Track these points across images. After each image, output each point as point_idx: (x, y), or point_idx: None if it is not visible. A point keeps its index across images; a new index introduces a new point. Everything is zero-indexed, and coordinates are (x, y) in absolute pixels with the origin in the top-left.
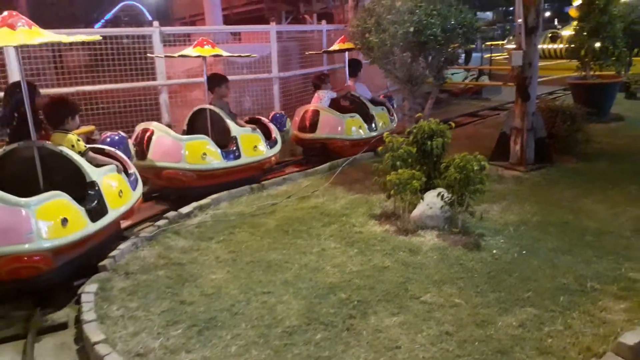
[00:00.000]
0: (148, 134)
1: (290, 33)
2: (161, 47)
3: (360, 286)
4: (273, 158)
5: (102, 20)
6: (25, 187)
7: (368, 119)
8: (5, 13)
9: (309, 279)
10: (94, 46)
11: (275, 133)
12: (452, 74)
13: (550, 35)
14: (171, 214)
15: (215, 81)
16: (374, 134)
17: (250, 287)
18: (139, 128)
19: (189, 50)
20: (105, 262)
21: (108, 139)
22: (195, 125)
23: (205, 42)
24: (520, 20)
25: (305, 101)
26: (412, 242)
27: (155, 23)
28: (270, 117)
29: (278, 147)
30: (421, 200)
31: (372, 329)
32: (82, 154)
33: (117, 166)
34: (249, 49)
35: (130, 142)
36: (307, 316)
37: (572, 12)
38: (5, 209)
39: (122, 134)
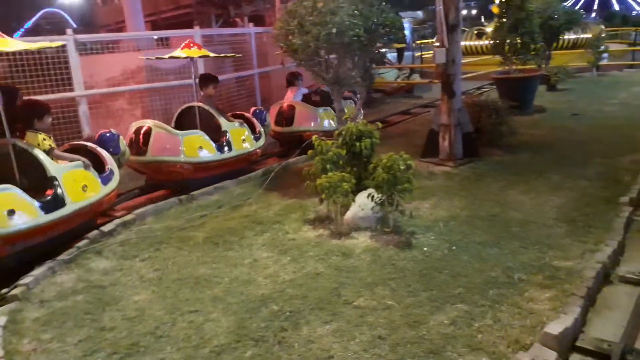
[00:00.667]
0: (143, 130)
1: (222, 37)
2: (77, 55)
3: (293, 296)
4: (259, 150)
5: (22, 29)
6: (5, 179)
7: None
8: None
9: (240, 293)
10: (9, 57)
11: (259, 127)
12: (384, 73)
13: (475, 32)
14: (92, 233)
15: (205, 81)
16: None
17: (176, 307)
18: (133, 126)
19: (178, 52)
20: (17, 291)
21: (100, 136)
22: (184, 122)
23: (192, 44)
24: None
25: (240, 105)
26: (346, 245)
27: (69, 31)
28: (250, 112)
29: (262, 140)
30: (353, 202)
31: (304, 340)
32: (47, 152)
33: (83, 163)
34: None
35: (122, 139)
36: (236, 333)
37: (495, 9)
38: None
39: (114, 131)
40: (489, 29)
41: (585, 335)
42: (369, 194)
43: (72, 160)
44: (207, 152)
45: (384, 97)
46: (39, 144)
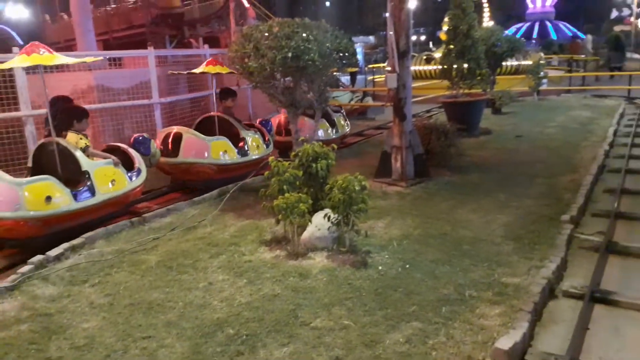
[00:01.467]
0: (172, 136)
1: (177, 57)
2: (23, 74)
3: (249, 319)
4: (269, 155)
5: None
6: (49, 172)
7: (331, 123)
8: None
9: (195, 317)
10: None
11: (268, 136)
12: (339, 96)
13: (425, 57)
14: (37, 258)
15: (225, 94)
16: (336, 135)
17: (128, 333)
18: (162, 132)
19: (202, 68)
20: None
21: (135, 139)
22: (202, 130)
23: (215, 62)
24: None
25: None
26: (302, 265)
27: (15, 49)
28: (257, 122)
29: (271, 147)
30: (310, 223)
31: None
32: (83, 150)
33: (112, 160)
34: (129, 75)
35: (153, 142)
36: (191, 358)
37: (442, 35)
38: (3, 185)
39: (146, 135)
40: (438, 55)
41: (534, 349)
42: (326, 214)
43: (104, 157)
44: (229, 156)
45: None
46: (76, 143)
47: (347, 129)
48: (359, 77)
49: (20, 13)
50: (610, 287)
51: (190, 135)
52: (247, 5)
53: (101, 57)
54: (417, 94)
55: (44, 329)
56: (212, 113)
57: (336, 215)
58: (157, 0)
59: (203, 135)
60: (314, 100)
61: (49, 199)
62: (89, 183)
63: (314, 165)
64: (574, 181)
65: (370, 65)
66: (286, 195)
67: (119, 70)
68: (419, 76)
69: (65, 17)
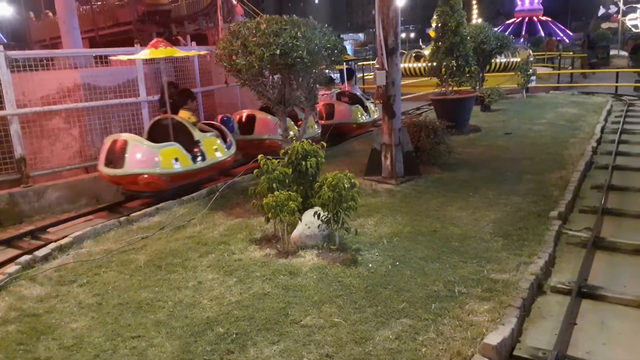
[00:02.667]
0: (245, 117)
1: None
2: (8, 72)
3: (239, 317)
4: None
5: None
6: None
7: (364, 108)
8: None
9: (184, 317)
10: None
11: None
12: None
13: (414, 54)
14: (24, 258)
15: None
16: (369, 120)
17: (117, 333)
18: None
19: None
20: None
21: (221, 119)
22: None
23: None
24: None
25: None
26: (293, 264)
27: None
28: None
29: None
30: (299, 221)
31: None
32: (194, 124)
33: (215, 133)
34: (115, 72)
35: (234, 121)
36: (181, 357)
37: (432, 33)
38: (147, 148)
39: (230, 116)
40: (427, 52)
41: (522, 345)
42: (315, 212)
43: (208, 131)
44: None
45: None
46: (189, 118)
47: (377, 115)
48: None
49: (4, 10)
50: (597, 283)
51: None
52: (234, 2)
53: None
54: (407, 92)
55: (31, 329)
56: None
57: (326, 213)
58: None
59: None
60: (302, 98)
61: (176, 160)
62: (201, 150)
63: (303, 163)
64: (562, 178)
65: (360, 63)
66: (276, 193)
67: (106, 68)
68: (408, 74)
69: (50, 14)
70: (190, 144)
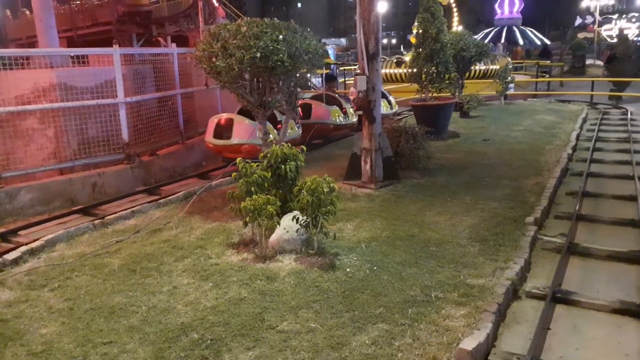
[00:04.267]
0: (304, 104)
1: (144, 56)
2: None
3: (215, 323)
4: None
5: None
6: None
7: (343, 111)
8: None
9: (158, 322)
10: None
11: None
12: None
13: (395, 60)
14: None
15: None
16: (347, 121)
17: (88, 339)
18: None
19: None
20: None
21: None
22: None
23: None
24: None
25: (162, 125)
26: (270, 268)
27: None
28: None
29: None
30: (278, 225)
31: None
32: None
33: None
34: (93, 72)
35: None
36: None
37: (413, 39)
38: (249, 124)
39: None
40: (407, 58)
41: (497, 350)
42: (294, 217)
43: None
44: (341, 118)
45: None
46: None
47: (355, 119)
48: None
49: None
50: (571, 288)
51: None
52: (216, 4)
53: None
54: None
55: None
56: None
57: (305, 218)
58: None
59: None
60: (283, 101)
61: (338, 116)
62: (347, 112)
63: (282, 166)
64: (539, 184)
65: (342, 68)
66: (254, 197)
67: (83, 68)
68: (389, 79)
69: (28, 13)
70: (274, 123)
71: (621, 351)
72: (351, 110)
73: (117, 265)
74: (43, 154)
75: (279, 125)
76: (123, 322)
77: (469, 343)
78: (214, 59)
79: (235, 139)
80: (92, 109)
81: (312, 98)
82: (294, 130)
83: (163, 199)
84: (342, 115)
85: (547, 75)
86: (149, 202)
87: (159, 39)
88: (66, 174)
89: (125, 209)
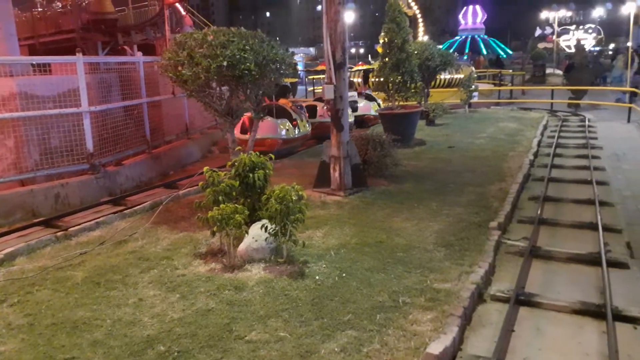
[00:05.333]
0: (310, 106)
1: (109, 64)
2: None
3: (182, 334)
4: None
5: None
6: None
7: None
8: None
9: (123, 335)
10: None
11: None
12: None
13: (362, 70)
14: None
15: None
16: (296, 135)
17: (50, 355)
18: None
19: None
20: None
21: (297, 106)
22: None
23: None
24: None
25: (127, 135)
26: (238, 278)
27: None
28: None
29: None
30: (246, 234)
31: None
32: (290, 107)
33: (303, 114)
34: (55, 81)
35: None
36: None
37: (380, 49)
38: (272, 121)
39: (302, 104)
40: (375, 67)
41: (463, 353)
42: (263, 225)
43: (299, 114)
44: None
45: None
46: (286, 104)
47: (308, 130)
48: (299, 87)
49: None
50: (533, 290)
51: (265, 118)
52: (183, 12)
53: None
54: None
55: None
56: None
57: (273, 226)
58: (88, 5)
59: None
60: (251, 110)
61: (287, 130)
62: (297, 125)
63: (251, 175)
64: (502, 189)
65: (311, 77)
66: (222, 206)
67: (45, 76)
68: (357, 89)
69: None
70: (290, 121)
71: (582, 351)
72: (302, 121)
73: (81, 278)
74: (2, 164)
75: (294, 122)
76: (86, 337)
77: (436, 347)
78: (180, 68)
79: (260, 134)
80: (54, 118)
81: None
82: (305, 128)
83: (129, 210)
84: (290, 128)
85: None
86: (114, 212)
87: (125, 47)
88: (28, 185)
89: (90, 220)
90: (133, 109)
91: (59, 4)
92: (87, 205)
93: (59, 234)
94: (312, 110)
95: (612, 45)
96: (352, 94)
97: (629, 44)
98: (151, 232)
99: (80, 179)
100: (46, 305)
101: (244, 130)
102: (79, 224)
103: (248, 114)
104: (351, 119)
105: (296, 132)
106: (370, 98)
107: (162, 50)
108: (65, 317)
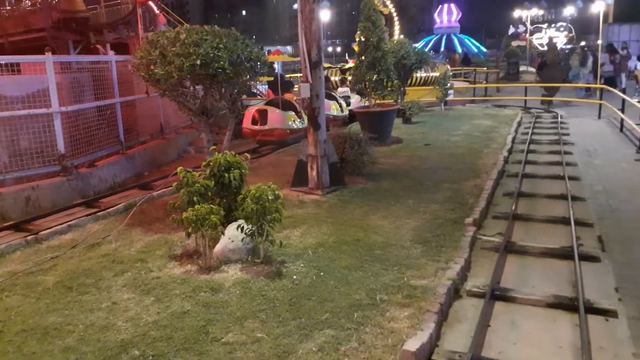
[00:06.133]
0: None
1: (81, 63)
2: None
3: (156, 338)
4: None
5: None
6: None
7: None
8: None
9: (96, 340)
10: None
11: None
12: (256, 104)
13: (340, 68)
14: None
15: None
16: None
17: None
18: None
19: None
20: None
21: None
22: None
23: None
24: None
25: (100, 136)
26: (215, 279)
27: None
28: None
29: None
30: (222, 235)
31: None
32: (295, 101)
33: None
34: (24, 81)
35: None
36: None
37: (356, 47)
38: (281, 113)
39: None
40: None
41: (440, 349)
42: (239, 225)
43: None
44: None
45: None
46: (292, 98)
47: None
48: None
49: None
50: (508, 285)
51: (273, 110)
52: (157, 11)
53: None
54: None
55: None
56: (277, 97)
57: (250, 226)
58: (58, 3)
59: (282, 110)
60: (226, 109)
61: (293, 121)
62: (302, 116)
63: (226, 175)
64: (477, 186)
65: (288, 75)
66: (196, 207)
67: (14, 76)
68: (335, 87)
69: None
70: (295, 113)
71: (555, 344)
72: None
73: (52, 283)
74: None
75: (298, 114)
76: (58, 343)
77: (413, 344)
78: (152, 67)
79: (269, 125)
80: (24, 119)
81: (267, 104)
82: (341, 111)
83: (102, 212)
84: (296, 119)
85: (483, 81)
86: (87, 215)
87: (98, 46)
88: None
89: (62, 223)
90: (106, 109)
91: (29, 2)
92: (59, 207)
93: (29, 237)
94: (263, 116)
95: (583, 43)
96: (345, 89)
97: (599, 41)
98: (125, 234)
99: (52, 181)
100: (16, 311)
101: (254, 122)
102: (51, 227)
103: (257, 107)
104: (345, 112)
105: (300, 123)
106: (330, 97)
107: (135, 49)
108: (36, 323)
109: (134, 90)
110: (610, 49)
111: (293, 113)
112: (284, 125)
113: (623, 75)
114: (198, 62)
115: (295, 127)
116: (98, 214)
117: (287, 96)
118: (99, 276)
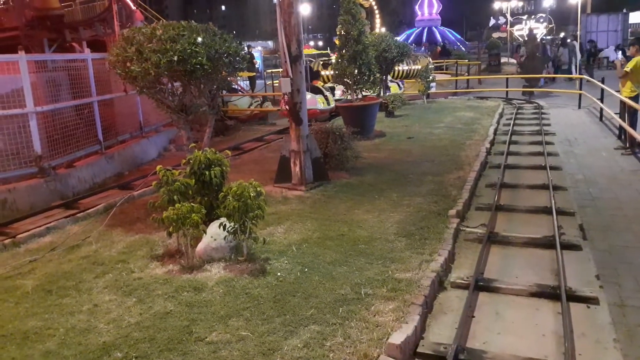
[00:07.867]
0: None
1: (57, 62)
2: None
3: (139, 339)
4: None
5: None
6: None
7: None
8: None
9: (77, 344)
10: None
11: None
12: (237, 100)
13: (322, 62)
14: None
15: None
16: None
17: None
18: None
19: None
20: None
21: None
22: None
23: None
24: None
25: (78, 135)
26: (198, 279)
27: None
28: None
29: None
30: (204, 233)
31: None
32: (322, 87)
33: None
34: None
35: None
36: None
37: (337, 41)
38: (312, 96)
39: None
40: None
41: (425, 341)
42: (221, 224)
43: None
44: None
45: (238, 123)
46: (320, 84)
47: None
48: (258, 81)
49: None
50: (492, 275)
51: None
52: (133, 7)
53: None
54: None
55: None
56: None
57: (232, 224)
58: (31, 1)
59: (313, 94)
60: (206, 105)
61: (322, 102)
62: (328, 99)
63: (207, 172)
64: (460, 178)
65: (269, 70)
66: (177, 205)
67: None
68: (327, 81)
69: None
70: (323, 96)
71: (538, 332)
72: (331, 97)
73: (31, 287)
74: None
75: (325, 97)
76: (38, 347)
77: (398, 337)
78: (128, 64)
79: None
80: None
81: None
82: (332, 102)
83: (82, 213)
84: (324, 101)
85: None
86: (66, 217)
87: (74, 44)
88: None
89: (40, 226)
90: (84, 108)
91: (0, 1)
92: (38, 210)
93: (6, 241)
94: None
95: (562, 34)
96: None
97: (578, 32)
98: (105, 235)
99: (29, 183)
100: None
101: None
102: (29, 230)
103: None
104: (332, 105)
105: (327, 105)
106: (316, 91)
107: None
108: (15, 328)
109: (112, 89)
110: (562, 42)
111: (321, 96)
112: (315, 106)
113: (573, 66)
114: (175, 58)
115: (322, 107)
116: (77, 215)
117: (315, 82)
118: (79, 278)
